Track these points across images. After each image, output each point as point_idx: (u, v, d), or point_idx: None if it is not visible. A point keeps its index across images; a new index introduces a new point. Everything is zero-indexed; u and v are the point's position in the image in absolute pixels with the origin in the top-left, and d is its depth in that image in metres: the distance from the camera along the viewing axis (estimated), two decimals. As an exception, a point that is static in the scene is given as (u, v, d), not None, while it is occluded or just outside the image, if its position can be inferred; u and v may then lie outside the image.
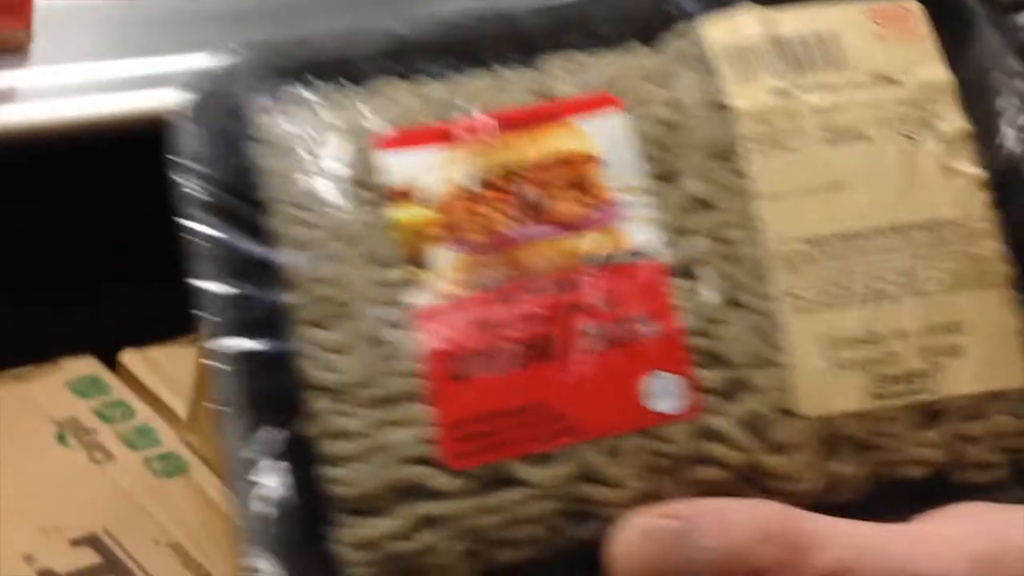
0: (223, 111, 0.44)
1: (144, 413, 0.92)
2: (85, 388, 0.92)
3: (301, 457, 0.41)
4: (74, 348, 0.96)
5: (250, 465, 0.41)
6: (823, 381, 0.42)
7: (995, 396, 0.43)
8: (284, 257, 0.42)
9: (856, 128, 0.44)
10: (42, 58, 1.01)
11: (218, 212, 0.42)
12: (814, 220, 0.43)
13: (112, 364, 0.94)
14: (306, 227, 0.42)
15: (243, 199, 0.43)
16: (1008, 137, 0.45)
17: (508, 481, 0.41)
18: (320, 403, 0.41)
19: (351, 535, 0.41)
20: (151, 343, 0.97)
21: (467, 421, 0.41)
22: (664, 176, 0.43)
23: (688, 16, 0.45)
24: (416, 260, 0.42)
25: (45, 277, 1.17)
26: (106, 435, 0.87)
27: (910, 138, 0.44)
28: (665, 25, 0.45)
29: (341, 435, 0.41)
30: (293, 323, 0.42)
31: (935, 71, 0.45)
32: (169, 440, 0.88)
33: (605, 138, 0.43)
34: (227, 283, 0.42)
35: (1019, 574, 0.40)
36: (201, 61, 0.45)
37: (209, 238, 0.42)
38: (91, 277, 1.18)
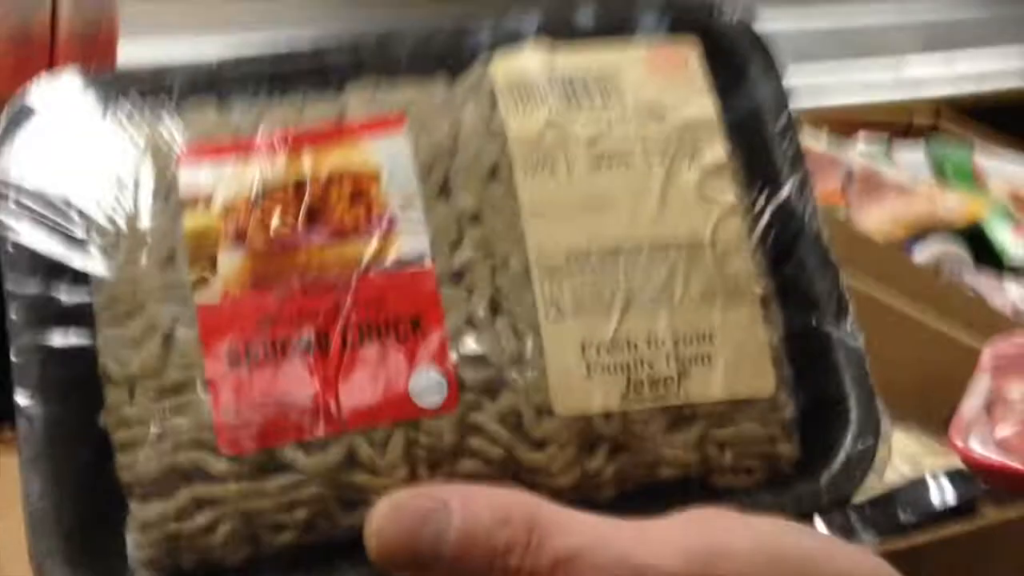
0: (43, 127, 0.48)
1: None
2: None
3: (98, 446, 0.45)
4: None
5: (49, 456, 0.44)
6: (578, 382, 0.45)
7: (744, 404, 0.47)
8: (89, 261, 0.46)
9: (620, 155, 0.48)
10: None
11: (32, 219, 0.46)
12: (575, 236, 0.46)
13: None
14: (109, 234, 0.46)
15: (55, 208, 0.47)
16: (773, 169, 0.49)
17: (280, 466, 0.44)
18: (113, 394, 0.45)
19: (136, 518, 0.44)
20: None
21: (241, 409, 0.44)
22: (440, 192, 0.47)
23: (483, 53, 0.50)
24: (205, 262, 0.45)
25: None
26: None
27: (670, 167, 0.48)
28: (463, 61, 0.50)
29: (128, 423, 0.45)
30: (95, 322, 0.45)
31: (701, 108, 0.49)
32: None
33: (387, 157, 0.47)
34: (36, 284, 0.46)
35: (725, 572, 0.42)
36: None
37: (20, 243, 0.46)
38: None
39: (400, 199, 0.46)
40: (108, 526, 0.44)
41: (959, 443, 0.86)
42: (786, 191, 0.49)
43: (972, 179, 1.39)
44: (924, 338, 1.08)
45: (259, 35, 1.34)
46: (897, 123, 1.50)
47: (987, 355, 0.92)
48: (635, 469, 0.46)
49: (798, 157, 0.50)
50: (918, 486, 0.90)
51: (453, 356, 0.45)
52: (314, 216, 0.46)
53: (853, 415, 0.47)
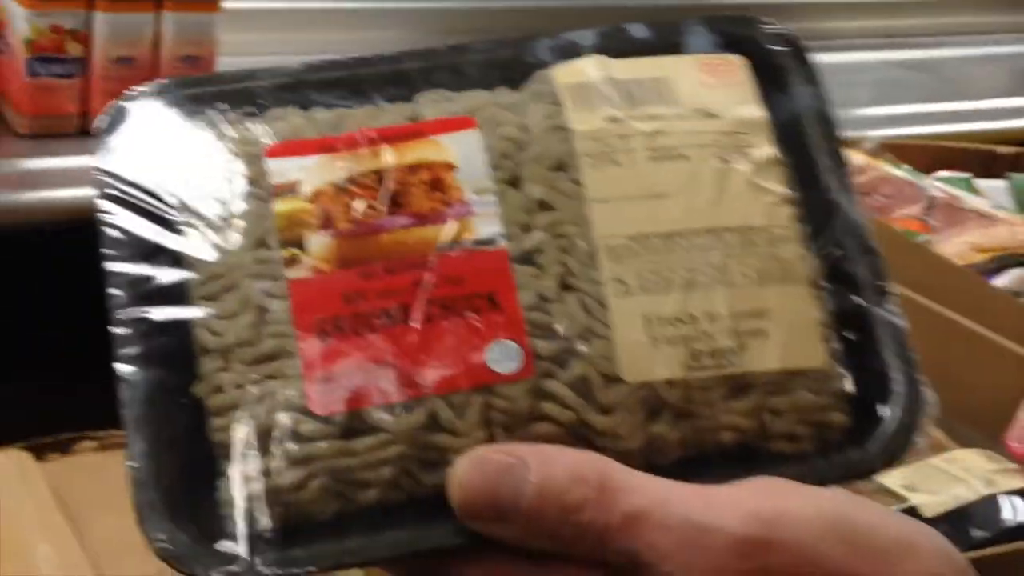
0: (142, 124, 0.52)
1: None
2: None
3: (192, 410, 0.48)
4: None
5: (148, 419, 0.48)
6: (643, 352, 0.49)
7: (796, 374, 0.50)
8: (185, 243, 0.50)
9: (677, 150, 0.52)
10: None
11: (132, 206, 0.51)
12: (638, 221, 0.50)
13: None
14: (204, 219, 0.50)
15: (154, 196, 0.51)
16: (817, 167, 0.53)
17: (366, 428, 0.48)
18: (208, 363, 0.49)
19: (230, 475, 0.47)
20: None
21: (330, 375, 0.48)
22: (511, 182, 0.51)
23: (544, 65, 0.54)
24: (295, 243, 0.49)
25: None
26: None
27: (724, 160, 0.52)
28: (525, 73, 0.54)
29: (223, 388, 0.48)
30: (190, 298, 0.50)
31: (751, 110, 0.53)
32: None
33: (461, 150, 0.51)
34: (137, 264, 0.50)
35: (787, 534, 0.46)
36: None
37: (122, 226, 0.50)
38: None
39: (474, 188, 0.51)
40: (204, 482, 0.48)
41: (1014, 444, 0.88)
42: (830, 186, 0.53)
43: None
44: (1002, 362, 1.09)
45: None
46: (981, 152, 1.52)
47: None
48: (696, 434, 0.50)
49: (840, 157, 0.53)
50: (990, 502, 0.92)
51: (527, 328, 0.49)
52: (395, 202, 0.50)
53: (898, 387, 0.50)
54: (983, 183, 1.45)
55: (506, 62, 0.54)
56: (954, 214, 1.34)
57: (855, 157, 1.35)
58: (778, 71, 0.55)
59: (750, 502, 0.46)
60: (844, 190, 0.53)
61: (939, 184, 1.38)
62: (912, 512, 0.90)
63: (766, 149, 0.53)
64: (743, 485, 0.48)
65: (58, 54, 1.19)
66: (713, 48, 0.55)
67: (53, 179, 1.15)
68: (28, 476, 1.03)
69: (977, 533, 0.91)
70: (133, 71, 1.21)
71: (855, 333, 0.51)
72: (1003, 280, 1.28)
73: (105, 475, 1.01)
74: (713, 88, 0.53)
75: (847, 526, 0.46)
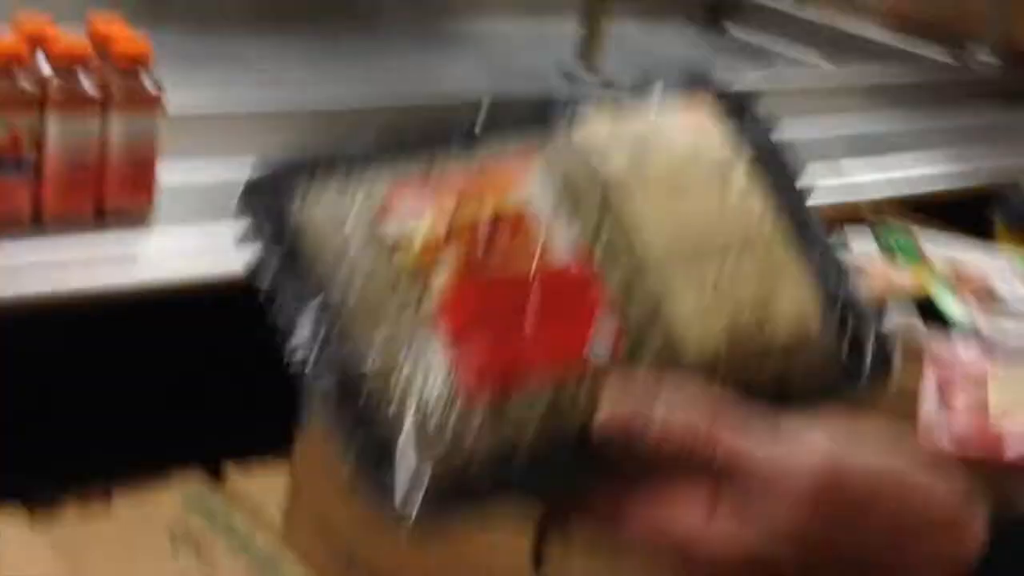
0: (270, 201, 0.66)
1: (246, 523, 1.08)
2: (195, 502, 1.09)
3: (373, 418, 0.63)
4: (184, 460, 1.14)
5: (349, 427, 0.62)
6: (696, 334, 0.65)
7: (802, 338, 0.67)
8: (334, 296, 0.64)
9: (681, 187, 0.68)
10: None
11: (273, 267, 0.65)
12: (672, 238, 0.66)
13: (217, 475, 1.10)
14: (344, 272, 0.64)
15: (297, 265, 0.65)
16: (783, 180, 0.70)
17: (509, 405, 0.62)
18: (376, 381, 0.63)
19: (412, 459, 0.62)
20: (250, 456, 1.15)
21: (475, 373, 0.62)
22: (572, 213, 0.66)
23: (565, 117, 0.69)
24: (425, 282, 0.64)
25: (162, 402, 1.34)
26: (214, 545, 1.04)
27: (719, 190, 0.68)
28: (551, 123, 0.69)
29: (392, 401, 0.63)
30: (350, 337, 0.64)
31: (726, 147, 0.70)
32: (268, 547, 1.04)
33: (529, 194, 0.66)
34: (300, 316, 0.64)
35: (854, 482, 0.60)
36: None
37: (273, 289, 0.64)
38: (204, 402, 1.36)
39: (545, 220, 0.66)
40: (389, 462, 0.62)
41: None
42: (796, 198, 0.69)
43: (919, 257, 1.56)
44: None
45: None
46: (846, 217, 1.67)
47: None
48: (740, 388, 0.65)
49: (796, 170, 0.70)
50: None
51: (610, 321, 0.64)
52: (491, 238, 0.65)
53: (873, 345, 0.67)
54: (851, 242, 1.60)
55: (536, 115, 0.69)
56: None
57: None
58: (737, 110, 0.71)
59: (824, 446, 0.61)
60: (804, 198, 0.69)
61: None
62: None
63: (744, 176, 0.69)
64: (820, 430, 0.62)
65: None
66: (682, 92, 0.71)
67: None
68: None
69: None
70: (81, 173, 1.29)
71: (836, 302, 0.68)
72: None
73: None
74: (693, 131, 0.70)
75: (906, 484, 0.61)
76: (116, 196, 1.31)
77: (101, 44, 1.30)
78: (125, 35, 1.31)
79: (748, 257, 0.67)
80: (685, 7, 2.43)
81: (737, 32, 2.43)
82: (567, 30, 1.98)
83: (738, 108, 0.71)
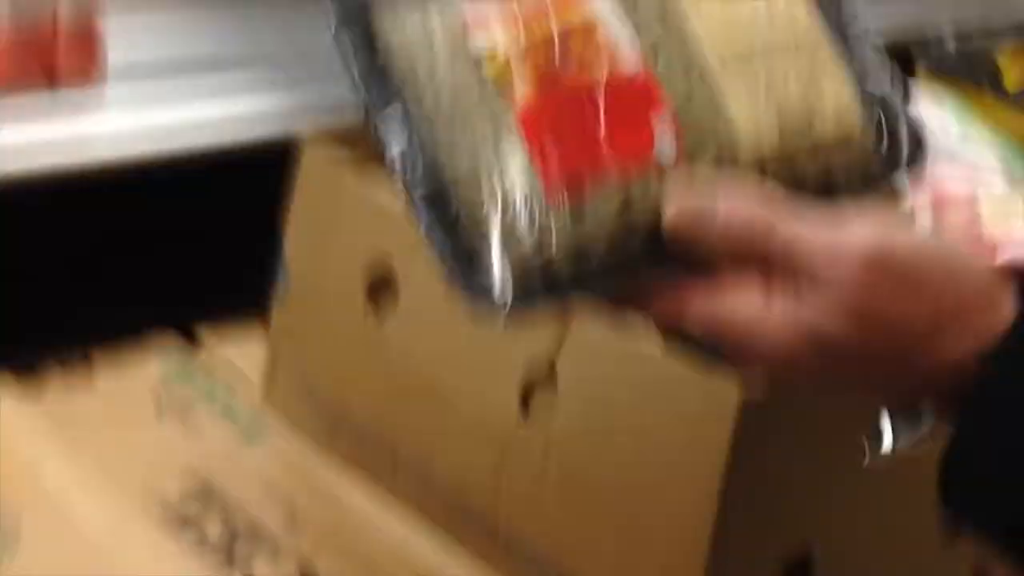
0: (359, 16, 0.72)
1: (227, 388, 1.10)
2: (176, 369, 1.10)
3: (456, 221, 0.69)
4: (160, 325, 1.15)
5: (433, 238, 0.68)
6: (752, 134, 0.71)
7: (845, 137, 0.72)
8: (426, 106, 0.70)
9: None
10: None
11: (369, 83, 0.71)
12: (727, 44, 0.72)
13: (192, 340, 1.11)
14: (434, 85, 0.70)
15: (385, 75, 0.71)
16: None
17: (587, 205, 0.68)
18: (464, 189, 0.69)
19: (501, 257, 0.68)
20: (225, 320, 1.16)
21: (556, 177, 0.68)
22: (637, 28, 0.71)
23: None
24: (508, 92, 0.70)
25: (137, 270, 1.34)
26: (198, 412, 1.05)
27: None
28: None
29: (481, 200, 0.68)
30: (439, 144, 0.70)
31: None
32: (251, 412, 1.06)
33: (599, 11, 0.72)
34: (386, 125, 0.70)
35: (899, 255, 0.66)
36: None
37: (370, 106, 0.70)
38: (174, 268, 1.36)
39: (614, 36, 0.71)
40: (483, 263, 0.68)
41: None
42: (848, 16, 0.75)
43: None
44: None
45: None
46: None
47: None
48: (792, 186, 0.71)
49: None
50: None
51: (676, 125, 0.70)
52: (566, 49, 0.71)
53: (907, 139, 0.73)
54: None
55: None
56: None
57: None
58: None
59: (872, 229, 0.67)
60: (857, 18, 0.75)
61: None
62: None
63: None
64: (866, 217, 0.68)
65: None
66: None
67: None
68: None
69: None
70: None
71: (873, 103, 0.74)
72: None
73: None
74: None
75: (940, 254, 0.67)
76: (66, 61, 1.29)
77: None
78: None
79: (795, 58, 0.72)
80: None
81: None
82: None
83: None
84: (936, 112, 1.54)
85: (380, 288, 1.07)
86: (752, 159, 0.70)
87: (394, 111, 0.70)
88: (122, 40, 1.36)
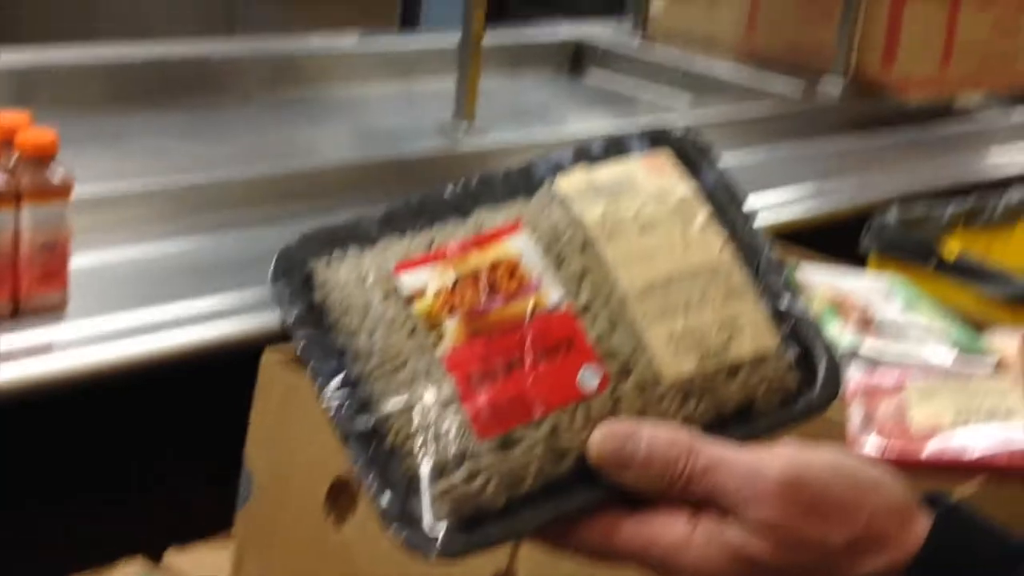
0: (298, 267, 0.75)
1: None
2: None
3: (394, 454, 0.71)
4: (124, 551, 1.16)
5: (367, 466, 0.70)
6: (672, 359, 0.73)
7: (763, 356, 0.75)
8: (359, 343, 0.73)
9: (651, 224, 0.77)
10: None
11: (304, 324, 0.74)
12: (644, 274, 0.75)
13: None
14: (368, 323, 0.73)
15: (321, 320, 0.74)
16: (737, 216, 0.79)
17: (516, 441, 0.71)
18: (399, 419, 0.71)
19: (432, 490, 0.70)
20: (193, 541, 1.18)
21: (484, 411, 0.71)
22: (558, 263, 0.75)
23: (546, 179, 0.79)
24: (436, 330, 0.73)
25: (97, 491, 1.36)
26: None
27: (681, 225, 0.77)
28: (535, 185, 0.79)
29: (413, 434, 0.71)
30: (374, 379, 0.72)
31: (686, 188, 0.79)
32: None
33: (519, 246, 0.75)
34: (326, 363, 0.73)
35: (812, 477, 0.69)
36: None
37: (304, 344, 0.73)
38: (140, 488, 1.37)
39: (536, 270, 0.75)
40: (416, 497, 0.70)
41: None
42: (747, 228, 0.78)
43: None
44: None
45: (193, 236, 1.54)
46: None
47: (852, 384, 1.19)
48: (715, 406, 0.73)
49: (747, 206, 0.79)
50: None
51: (596, 358, 0.73)
52: (491, 290, 0.74)
53: (821, 352, 0.76)
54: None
55: (519, 180, 0.79)
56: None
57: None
58: (692, 157, 0.81)
59: (785, 457, 0.70)
60: (756, 229, 0.78)
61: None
62: None
63: (703, 212, 0.78)
64: (778, 446, 0.71)
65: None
66: (647, 147, 0.81)
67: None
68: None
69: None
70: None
71: (787, 322, 0.76)
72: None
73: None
74: (657, 177, 0.79)
75: (853, 473, 0.71)
76: (31, 287, 1.33)
77: (6, 136, 1.32)
78: (31, 126, 1.33)
79: (712, 283, 0.75)
80: (550, 59, 2.50)
81: (598, 79, 2.51)
82: (438, 88, 2.04)
83: (693, 154, 0.81)
84: (881, 286, 1.58)
85: (340, 493, 1.10)
86: (673, 383, 0.73)
87: (330, 346, 0.73)
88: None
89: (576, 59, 2.52)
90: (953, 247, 1.78)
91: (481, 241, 0.75)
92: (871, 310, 1.53)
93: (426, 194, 0.78)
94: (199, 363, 1.38)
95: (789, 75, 2.40)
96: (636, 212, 0.76)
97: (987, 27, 2.47)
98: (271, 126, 2.02)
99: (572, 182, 0.78)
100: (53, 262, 1.36)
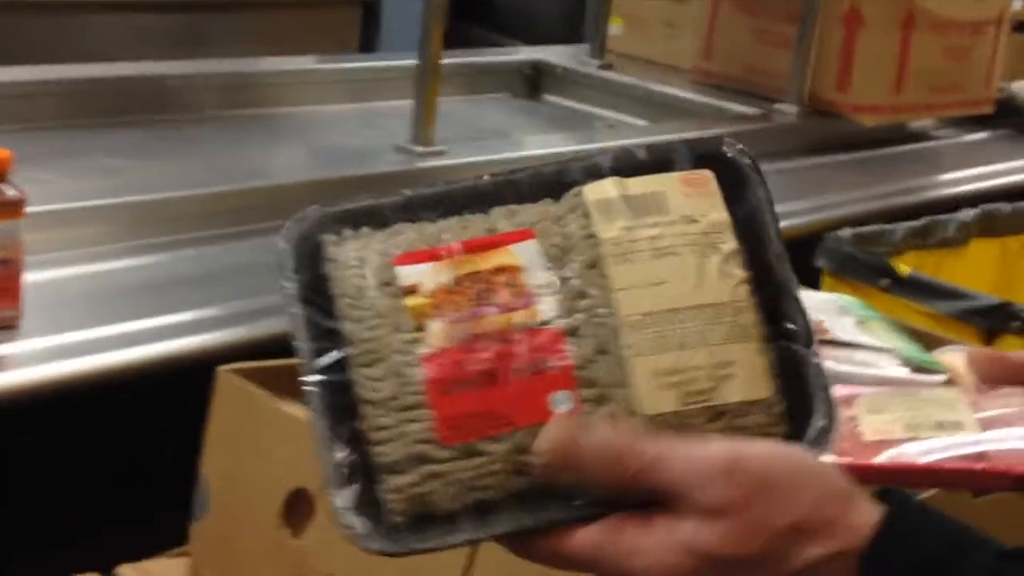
0: (307, 242, 0.74)
1: None
2: None
3: (359, 443, 0.70)
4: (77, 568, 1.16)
5: (330, 448, 0.70)
6: (652, 395, 0.71)
7: (753, 403, 0.73)
8: (346, 327, 0.72)
9: (670, 249, 0.73)
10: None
11: (306, 301, 0.72)
12: (647, 302, 0.72)
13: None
14: (357, 310, 0.72)
15: (321, 294, 0.72)
16: (765, 253, 0.75)
17: (477, 452, 0.70)
18: (367, 410, 0.71)
19: (387, 486, 0.70)
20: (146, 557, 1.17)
21: (452, 417, 0.70)
22: (560, 278, 0.73)
23: (577, 183, 0.76)
24: (421, 328, 0.72)
25: (49, 507, 1.35)
26: None
27: (702, 254, 0.73)
28: (564, 188, 0.76)
29: (381, 428, 0.70)
30: (351, 366, 0.71)
31: (720, 214, 0.75)
32: None
33: (525, 255, 0.74)
34: (313, 342, 0.72)
35: (750, 459, 0.69)
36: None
37: (301, 317, 0.72)
38: (92, 504, 1.37)
39: (535, 283, 0.73)
40: (372, 488, 0.70)
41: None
42: (774, 267, 0.75)
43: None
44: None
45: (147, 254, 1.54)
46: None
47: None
48: None
49: (780, 244, 0.75)
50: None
51: (575, 382, 0.72)
52: (485, 296, 0.72)
53: (819, 405, 0.73)
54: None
55: (549, 181, 0.76)
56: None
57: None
58: (737, 179, 0.76)
59: (724, 443, 0.71)
60: (784, 270, 0.75)
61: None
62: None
63: (730, 243, 0.74)
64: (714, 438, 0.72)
65: None
66: (692, 163, 0.77)
67: None
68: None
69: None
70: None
71: (790, 371, 0.73)
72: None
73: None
74: (693, 197, 0.75)
75: (792, 459, 0.71)
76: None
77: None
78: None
79: (716, 322, 0.72)
80: (507, 81, 2.51)
81: (556, 100, 2.52)
82: (396, 109, 2.04)
83: (738, 177, 0.76)
84: (834, 304, 1.59)
85: (297, 504, 1.10)
86: (649, 419, 0.71)
87: (322, 323, 0.72)
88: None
89: (534, 82, 2.53)
90: (906, 266, 1.80)
91: (488, 244, 0.74)
92: (824, 327, 1.54)
93: (452, 184, 0.76)
94: (152, 379, 1.37)
95: (745, 99, 2.43)
96: (656, 234, 0.74)
97: (939, 53, 2.49)
98: (227, 145, 2.02)
99: (600, 191, 0.75)
100: (6, 278, 1.36)
